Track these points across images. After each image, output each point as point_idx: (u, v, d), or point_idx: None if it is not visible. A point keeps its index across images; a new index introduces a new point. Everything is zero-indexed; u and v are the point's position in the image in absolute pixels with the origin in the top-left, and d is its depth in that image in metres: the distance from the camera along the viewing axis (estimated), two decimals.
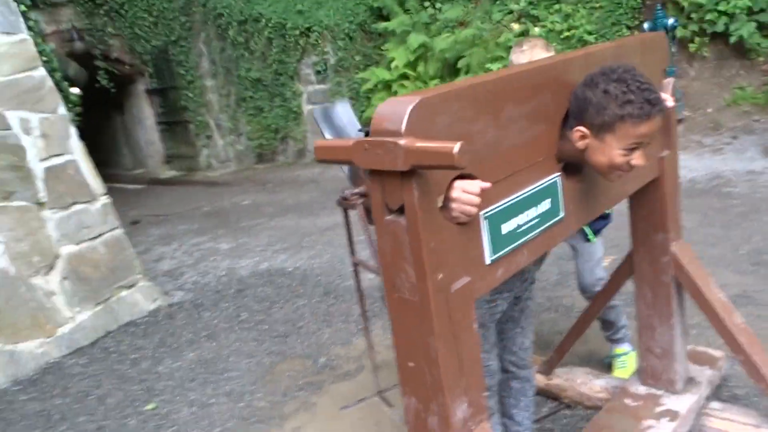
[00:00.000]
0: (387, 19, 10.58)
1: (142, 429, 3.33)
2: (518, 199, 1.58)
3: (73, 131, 4.85)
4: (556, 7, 8.99)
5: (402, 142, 1.23)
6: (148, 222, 8.30)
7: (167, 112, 13.29)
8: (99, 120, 14.49)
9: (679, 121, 6.67)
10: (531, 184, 1.62)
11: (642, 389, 2.55)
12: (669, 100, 2.11)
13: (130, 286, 4.92)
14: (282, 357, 3.85)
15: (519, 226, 1.59)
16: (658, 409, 2.41)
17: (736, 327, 2.29)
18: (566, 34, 8.63)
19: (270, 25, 11.34)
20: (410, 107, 1.27)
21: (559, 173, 1.72)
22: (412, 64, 9.94)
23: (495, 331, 2.22)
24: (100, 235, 4.84)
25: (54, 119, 4.74)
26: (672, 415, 2.37)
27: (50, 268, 4.50)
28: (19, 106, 4.52)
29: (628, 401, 2.49)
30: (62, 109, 4.81)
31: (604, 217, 2.83)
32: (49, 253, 4.51)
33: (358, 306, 3.16)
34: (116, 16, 12.56)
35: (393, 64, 10.05)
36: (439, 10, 10.25)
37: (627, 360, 2.96)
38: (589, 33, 8.51)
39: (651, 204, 2.33)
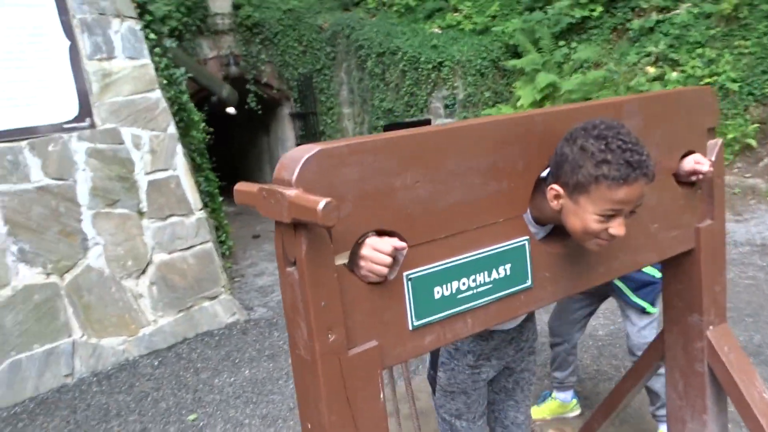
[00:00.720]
0: (521, 56, 10.43)
1: None
2: (461, 261, 1.44)
3: (179, 149, 5.22)
4: (699, 51, 8.36)
5: (287, 192, 1.17)
6: (267, 237, 8.69)
7: (306, 135, 14.04)
8: (248, 139, 15.62)
9: None
10: (483, 246, 1.48)
11: None
12: (705, 164, 1.86)
13: (213, 298, 5.16)
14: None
15: (460, 291, 1.45)
16: None
17: None
18: (707, 80, 7.96)
19: (405, 57, 11.64)
20: (306, 156, 1.21)
21: (526, 237, 1.55)
22: (537, 104, 9.67)
23: (481, 400, 2.05)
24: (191, 246, 5.14)
25: (163, 137, 5.13)
26: None
27: (142, 272, 4.84)
28: (133, 124, 4.95)
29: None
30: (172, 128, 5.20)
31: (650, 282, 2.54)
32: (143, 258, 4.86)
33: None
34: (270, 45, 13.48)
35: (519, 103, 9.85)
36: (574, 49, 9.92)
37: None
38: (734, 81, 7.81)
39: (685, 279, 2.05)
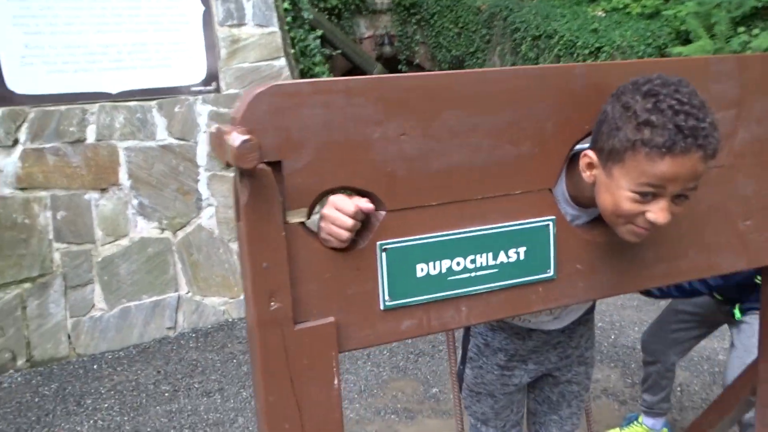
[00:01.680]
0: (691, 43, 9.45)
1: (247, 401, 3.47)
2: (456, 237, 1.20)
3: None
4: None
5: (225, 132, 1.02)
6: None
7: None
8: None
9: None
10: (489, 222, 1.23)
11: None
12: None
13: None
14: (403, 375, 3.66)
15: (452, 272, 1.21)
16: None
17: None
18: None
19: (561, 41, 11.05)
20: (256, 92, 1.04)
21: (552, 217, 1.27)
22: None
23: (514, 407, 1.77)
24: None
25: None
26: None
27: None
28: None
29: None
30: None
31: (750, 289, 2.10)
32: None
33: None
34: (425, 25, 13.44)
35: None
36: (756, 36, 8.78)
37: None
38: None
39: None
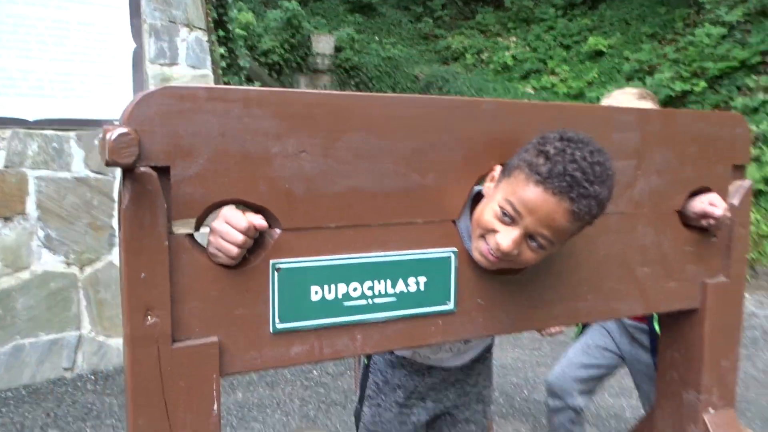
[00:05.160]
0: None
1: None
2: (354, 261, 1.17)
3: None
4: None
5: (109, 131, 0.96)
6: None
7: None
8: None
9: None
10: (389, 249, 1.20)
11: None
12: (720, 208, 1.50)
13: None
14: (313, 424, 3.53)
15: (349, 298, 1.17)
16: None
17: None
18: None
19: None
20: (145, 93, 1.00)
21: (453, 249, 1.26)
22: None
23: None
24: None
25: None
26: None
27: None
28: None
29: None
30: None
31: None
32: None
33: None
34: (364, 88, 13.74)
35: None
36: None
37: None
38: None
39: (684, 347, 1.66)
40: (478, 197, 1.33)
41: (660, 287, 1.54)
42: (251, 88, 1.08)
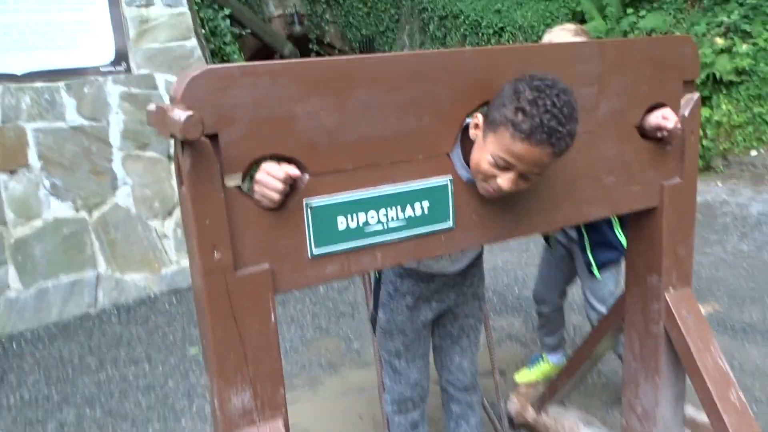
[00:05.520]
0: (585, 23, 10.05)
1: (176, 367, 3.62)
2: (370, 195, 1.43)
3: None
4: None
5: (167, 109, 1.19)
6: None
7: None
8: None
9: None
10: (397, 182, 1.46)
11: None
12: (671, 120, 1.76)
13: None
14: (326, 334, 3.90)
15: (368, 225, 1.44)
16: None
17: (725, 402, 1.85)
18: None
19: (467, 21, 11.48)
20: (192, 75, 1.22)
21: (449, 177, 1.52)
22: None
23: (420, 342, 2.04)
24: None
25: None
26: None
27: (168, 214, 5.01)
28: (167, 70, 5.07)
29: None
30: None
31: (613, 248, 2.45)
32: (170, 201, 5.02)
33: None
34: (335, 5, 13.50)
35: None
36: (643, 17, 9.44)
37: None
38: None
39: (647, 239, 1.96)
40: (465, 130, 1.58)
41: (624, 191, 1.82)
42: (275, 62, 1.28)
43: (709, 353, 1.91)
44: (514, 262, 4.97)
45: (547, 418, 2.57)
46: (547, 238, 2.72)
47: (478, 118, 1.47)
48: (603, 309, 2.53)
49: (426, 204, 1.50)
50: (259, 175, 1.30)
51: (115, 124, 4.81)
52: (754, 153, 6.88)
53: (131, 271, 4.81)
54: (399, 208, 1.47)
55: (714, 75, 7.50)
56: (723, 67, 7.48)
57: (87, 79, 4.69)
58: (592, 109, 1.70)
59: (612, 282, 2.57)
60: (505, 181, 1.41)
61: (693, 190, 1.95)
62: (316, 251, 1.39)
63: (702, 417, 2.23)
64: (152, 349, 3.90)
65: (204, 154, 1.22)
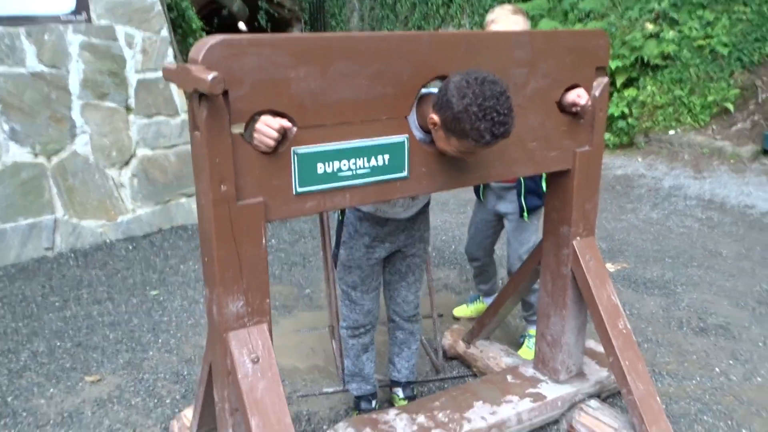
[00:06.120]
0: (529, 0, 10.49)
1: (138, 306, 3.90)
2: (343, 147, 1.78)
3: (170, 52, 5.48)
4: (700, 12, 8.42)
5: (192, 68, 1.50)
6: None
7: None
8: None
9: None
10: (365, 137, 1.82)
11: (529, 372, 2.64)
12: (584, 98, 2.17)
13: (190, 195, 5.53)
14: (279, 281, 4.24)
15: (341, 171, 1.79)
16: (529, 390, 2.51)
17: (615, 329, 2.33)
18: (700, 42, 8.08)
19: None
20: (211, 43, 1.53)
21: (406, 136, 1.89)
22: None
23: (374, 276, 2.43)
24: (173, 146, 5.47)
25: (156, 39, 5.38)
26: (536, 397, 2.46)
27: (125, 164, 5.20)
28: (127, 23, 5.19)
29: (509, 377, 2.60)
30: (165, 32, 5.44)
31: (539, 196, 2.88)
32: (127, 151, 5.20)
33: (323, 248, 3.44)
34: None
35: None
36: None
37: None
38: (725, 45, 7.92)
39: (561, 196, 2.40)
40: (420, 99, 1.95)
41: (544, 155, 2.23)
42: (275, 35, 1.59)
43: (605, 290, 2.38)
44: (452, 222, 5.42)
45: (474, 350, 3.02)
46: (477, 193, 3.14)
47: (435, 119, 1.81)
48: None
49: (387, 156, 1.87)
50: (258, 125, 1.63)
51: (75, 72, 4.94)
52: (672, 132, 7.53)
53: (88, 218, 5.00)
54: (365, 158, 1.83)
55: (642, 58, 8.10)
56: (651, 51, 8.08)
57: (47, 27, 4.79)
58: (522, 87, 2.09)
59: (536, 234, 3.02)
60: (466, 156, 1.87)
61: (599, 157, 2.39)
62: (300, 189, 1.74)
63: (599, 348, 2.71)
64: (113, 290, 4.15)
65: (217, 106, 1.55)
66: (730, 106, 7.44)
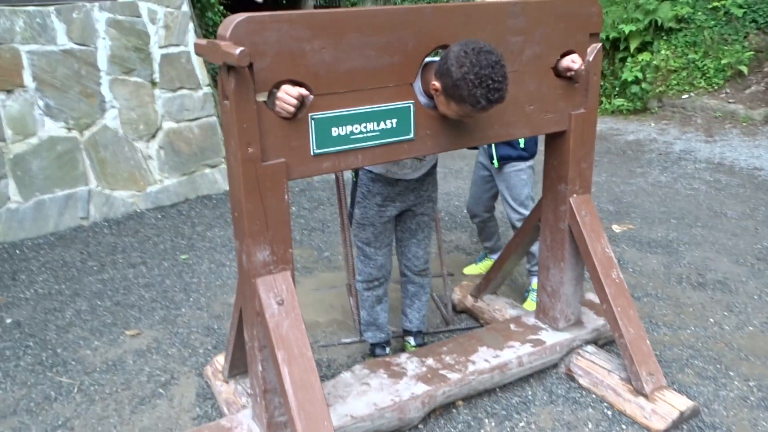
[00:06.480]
0: None
1: (170, 269, 4.18)
2: (355, 112, 1.99)
3: (191, 27, 5.69)
4: None
5: (221, 43, 1.72)
6: None
7: None
8: None
9: None
10: (375, 103, 2.02)
11: (531, 321, 2.87)
12: (578, 63, 2.35)
13: (213, 166, 5.79)
14: (299, 245, 4.50)
15: (352, 133, 2.01)
16: (530, 337, 2.73)
17: (608, 279, 2.53)
18: (715, 4, 8.09)
19: None
20: (237, 20, 1.74)
21: (411, 101, 2.09)
22: None
23: (386, 233, 2.65)
24: (197, 118, 5.71)
25: (177, 14, 5.58)
26: (536, 343, 2.69)
27: (152, 137, 5.45)
28: (149, 0, 5.41)
29: (512, 326, 2.83)
30: (185, 7, 5.64)
31: (513, 146, 3.08)
32: (153, 125, 5.45)
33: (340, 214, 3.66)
34: None
35: None
36: None
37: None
38: (740, 6, 7.92)
39: (558, 156, 2.59)
40: (425, 67, 2.14)
41: (541, 117, 2.42)
42: (293, 12, 1.79)
43: (599, 243, 2.58)
44: (464, 188, 5.61)
45: (482, 304, 3.25)
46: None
47: (437, 85, 2.01)
48: (524, 211, 3.19)
49: (394, 120, 2.08)
50: (280, 93, 1.84)
51: (102, 49, 5.17)
52: (685, 96, 7.60)
53: (119, 188, 5.28)
54: (375, 122, 2.04)
55: (656, 21, 8.12)
56: (665, 14, 8.10)
57: (75, 5, 5.01)
58: (518, 53, 2.28)
59: (527, 188, 3.22)
60: (465, 119, 2.07)
61: (594, 118, 2.57)
62: (317, 151, 1.96)
63: (597, 300, 2.92)
64: (146, 255, 4.44)
65: (244, 77, 1.76)
66: (744, 69, 7.48)
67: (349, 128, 2.00)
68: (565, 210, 2.61)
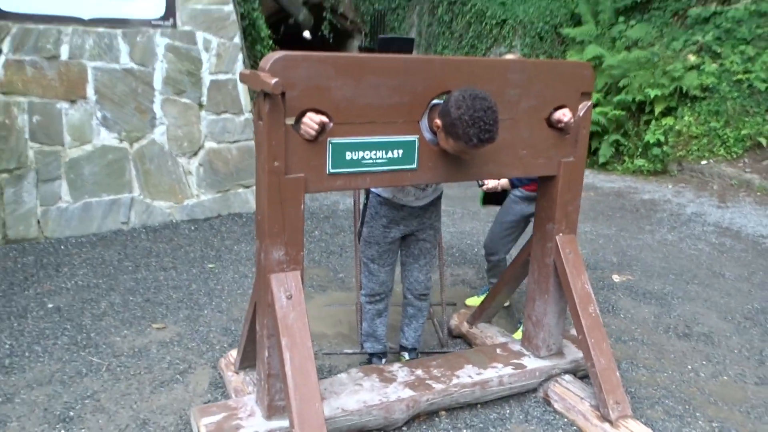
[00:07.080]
0: (580, 26, 10.87)
1: (197, 275, 4.55)
2: (367, 140, 2.35)
3: (240, 57, 6.19)
4: (742, 47, 8.70)
5: (261, 74, 2.10)
6: None
7: None
8: None
9: None
10: (385, 135, 2.38)
11: (516, 347, 3.14)
12: (567, 116, 2.68)
13: (247, 187, 6.20)
14: (318, 266, 4.84)
15: (363, 159, 2.36)
16: (512, 361, 3.00)
17: (585, 312, 2.81)
18: (739, 77, 8.37)
19: (473, 10, 12.26)
20: (276, 57, 2.13)
21: (417, 136, 2.45)
22: None
23: (390, 253, 2.98)
24: (236, 141, 6.16)
25: (229, 45, 6.09)
26: (518, 366, 2.96)
27: (194, 154, 5.91)
28: (206, 29, 5.92)
29: (498, 350, 3.11)
30: (237, 39, 6.15)
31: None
32: (196, 143, 5.92)
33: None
34: None
35: None
36: (631, 27, 10.27)
37: None
38: (763, 81, 8.19)
39: (548, 198, 2.90)
40: (431, 108, 2.50)
41: (533, 162, 2.75)
42: (322, 53, 2.17)
43: (580, 279, 2.87)
44: (479, 229, 5.92)
45: (475, 330, 3.53)
46: (501, 201, 3.74)
47: (438, 123, 2.36)
48: (497, 245, 3.67)
49: (401, 151, 2.43)
50: (305, 119, 2.21)
51: (159, 70, 5.68)
52: (704, 162, 7.84)
53: (159, 199, 5.72)
54: (384, 151, 2.40)
55: (681, 88, 8.43)
56: (690, 82, 8.40)
57: (140, 29, 5.55)
58: (515, 104, 2.63)
59: (504, 224, 3.70)
60: (462, 155, 2.42)
61: (582, 167, 2.88)
62: (332, 170, 2.32)
63: None
64: (177, 261, 4.83)
65: (276, 103, 2.14)
66: (764, 141, 7.71)
67: (361, 154, 2.36)
68: (551, 247, 2.91)
